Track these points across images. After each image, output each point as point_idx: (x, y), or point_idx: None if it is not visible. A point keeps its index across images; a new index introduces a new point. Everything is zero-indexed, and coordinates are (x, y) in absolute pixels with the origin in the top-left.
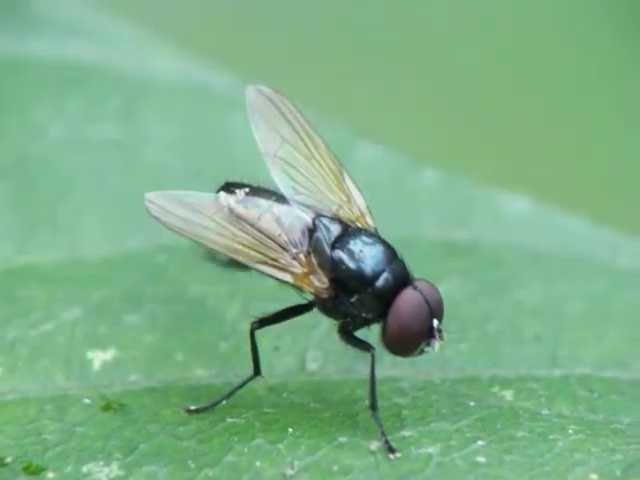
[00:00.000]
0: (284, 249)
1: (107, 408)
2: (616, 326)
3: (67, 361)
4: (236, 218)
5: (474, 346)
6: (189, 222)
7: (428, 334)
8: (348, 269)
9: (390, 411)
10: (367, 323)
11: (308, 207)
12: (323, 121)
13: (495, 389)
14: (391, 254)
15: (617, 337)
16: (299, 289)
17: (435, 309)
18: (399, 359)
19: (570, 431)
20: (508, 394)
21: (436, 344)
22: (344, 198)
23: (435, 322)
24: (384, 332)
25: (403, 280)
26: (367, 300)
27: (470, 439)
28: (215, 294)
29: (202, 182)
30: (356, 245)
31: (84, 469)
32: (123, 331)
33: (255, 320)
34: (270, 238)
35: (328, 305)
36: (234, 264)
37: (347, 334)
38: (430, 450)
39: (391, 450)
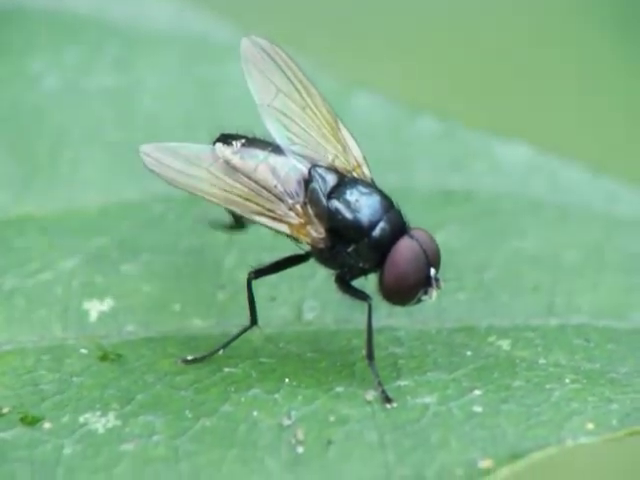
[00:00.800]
0: (280, 200)
1: (104, 358)
2: (613, 275)
3: (64, 311)
4: (232, 169)
5: (471, 295)
6: (185, 174)
7: (425, 283)
8: (344, 219)
9: (387, 361)
10: (364, 273)
11: (304, 157)
12: (319, 71)
13: (492, 339)
14: (387, 204)
15: (614, 286)
16: (296, 240)
17: (432, 258)
18: (396, 309)
19: (567, 380)
20: (505, 344)
21: (433, 293)
22: (340, 148)
23: (432, 271)
24: (381, 281)
25: (400, 229)
26: (364, 250)
27: (467, 388)
28: (212, 244)
29: (197, 132)
30: (352, 195)
31: (81, 419)
32: (120, 281)
33: (252, 270)
34: (266, 189)
35: (325, 255)
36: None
37: (344, 284)
38: (427, 400)
39: (387, 400)
